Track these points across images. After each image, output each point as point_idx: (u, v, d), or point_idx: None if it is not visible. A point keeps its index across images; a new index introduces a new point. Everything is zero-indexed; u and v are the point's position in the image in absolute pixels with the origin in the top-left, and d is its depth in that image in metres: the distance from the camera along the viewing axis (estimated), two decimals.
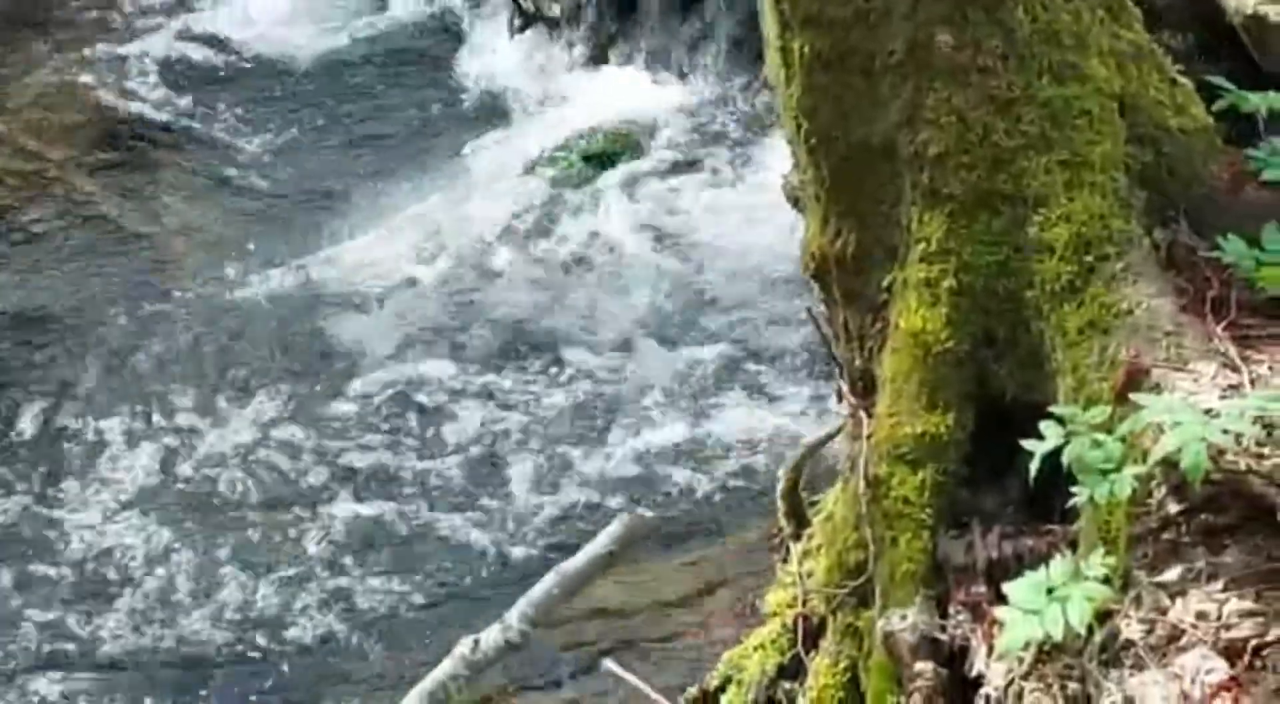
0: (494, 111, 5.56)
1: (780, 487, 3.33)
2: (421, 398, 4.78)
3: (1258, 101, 2.86)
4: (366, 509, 4.67)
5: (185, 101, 6.05)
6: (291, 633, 4.60)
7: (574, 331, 4.80)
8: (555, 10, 5.51)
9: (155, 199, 5.71)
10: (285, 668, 4.53)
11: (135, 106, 6.06)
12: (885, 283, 2.91)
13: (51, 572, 4.81)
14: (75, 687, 4.56)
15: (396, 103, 5.81)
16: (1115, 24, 2.85)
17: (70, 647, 4.66)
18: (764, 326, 4.55)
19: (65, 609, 4.74)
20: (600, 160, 5.16)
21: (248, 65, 6.15)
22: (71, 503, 4.96)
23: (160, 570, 4.76)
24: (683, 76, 5.30)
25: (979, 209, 2.77)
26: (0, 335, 5.31)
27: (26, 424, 5.15)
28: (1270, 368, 2.65)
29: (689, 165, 5.09)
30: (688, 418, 4.51)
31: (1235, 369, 2.63)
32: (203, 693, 4.57)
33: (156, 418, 5.12)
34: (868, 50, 2.79)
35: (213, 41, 6.23)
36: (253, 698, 4.54)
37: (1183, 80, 2.94)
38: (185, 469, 4.97)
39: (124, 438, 5.13)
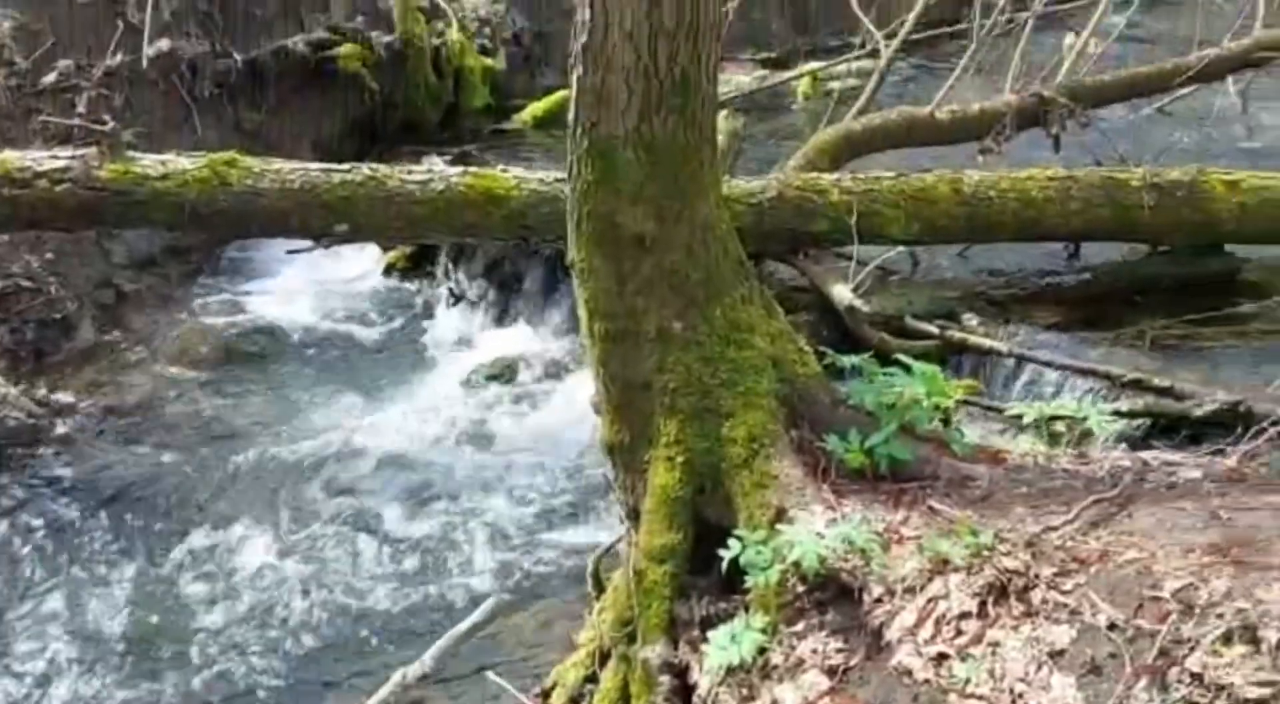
0: (437, 353, 5.92)
1: (589, 569, 3.56)
2: (363, 535, 4.73)
3: (846, 361, 3.31)
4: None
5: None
6: None
7: (473, 484, 4.99)
8: (473, 293, 6.04)
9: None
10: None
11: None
12: (646, 458, 3.22)
13: None
14: None
15: (377, 349, 6.06)
16: (769, 317, 3.29)
17: None
18: (581, 479, 4.90)
19: None
20: (497, 379, 5.57)
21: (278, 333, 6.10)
22: None
23: None
24: (544, 332, 5.75)
25: (695, 419, 3.16)
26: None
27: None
28: (852, 509, 2.95)
29: (543, 384, 5.52)
30: (539, 531, 4.77)
31: (833, 509, 2.97)
32: None
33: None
34: (635, 331, 3.18)
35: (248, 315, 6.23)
36: None
37: (806, 347, 3.32)
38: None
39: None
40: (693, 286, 3.21)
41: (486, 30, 7.25)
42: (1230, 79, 6.35)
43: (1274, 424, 3.87)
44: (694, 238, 3.20)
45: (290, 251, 5.55)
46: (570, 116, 3.13)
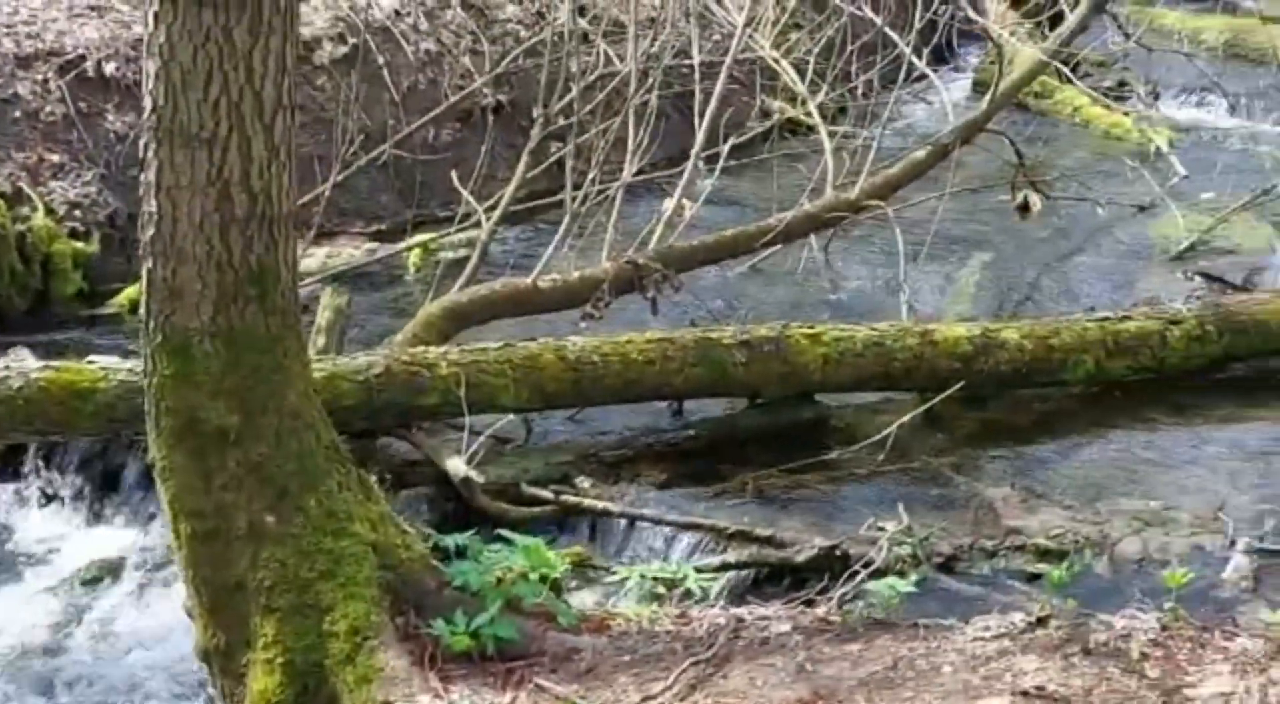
0: (26, 560, 5.49)
1: None
2: None
3: (450, 541, 3.31)
4: None
5: None
6: None
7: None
8: (68, 491, 5.66)
9: None
10: None
11: None
12: (244, 662, 3.14)
13: None
14: None
15: None
16: (368, 501, 3.26)
17: None
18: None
19: None
20: (96, 582, 5.18)
21: None
22: None
23: None
24: (150, 528, 5.33)
25: (294, 616, 3.09)
26: None
27: None
28: (460, 696, 2.98)
29: (149, 585, 5.16)
30: None
31: (441, 697, 2.98)
32: None
33: None
34: (225, 529, 3.09)
35: None
36: None
37: (410, 530, 3.35)
38: None
39: None
40: (284, 478, 3.14)
41: (78, 213, 6.96)
42: (813, 236, 6.79)
43: (865, 566, 4.11)
44: (282, 427, 3.14)
45: None
46: (143, 310, 3.04)
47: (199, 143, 2.96)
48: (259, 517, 3.13)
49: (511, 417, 5.19)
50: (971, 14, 7.83)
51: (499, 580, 3.26)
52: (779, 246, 6.45)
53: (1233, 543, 4.33)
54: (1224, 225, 7.22)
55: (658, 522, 4.72)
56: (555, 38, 6.32)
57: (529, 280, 5.58)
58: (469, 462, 4.82)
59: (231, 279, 3.03)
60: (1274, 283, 6.68)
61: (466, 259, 6.04)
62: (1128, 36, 7.89)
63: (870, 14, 7.32)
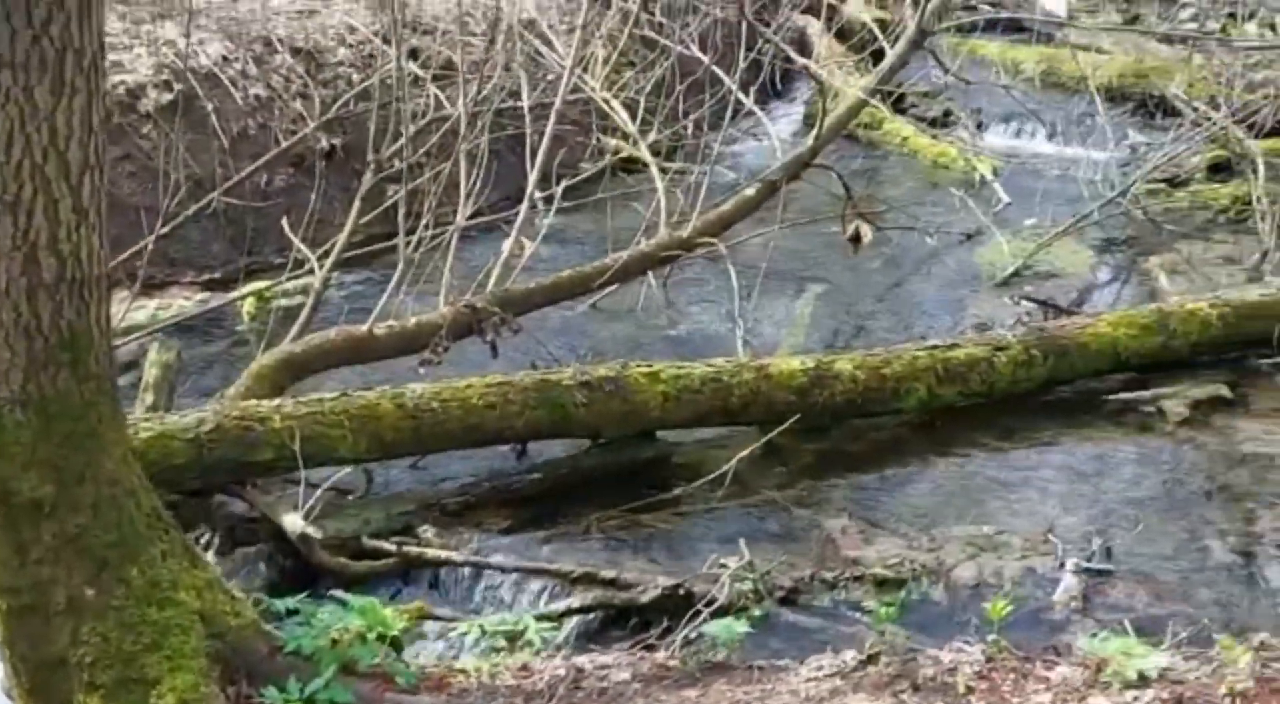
0: None
1: None
2: None
3: (281, 605, 3.27)
4: None
5: None
6: None
7: None
8: None
9: None
10: None
11: None
12: None
13: None
14: None
15: None
16: (194, 567, 3.17)
17: None
18: None
19: None
20: None
21: None
22: None
23: None
24: None
25: (118, 691, 2.97)
26: None
27: None
28: None
29: None
30: None
31: None
32: None
33: None
34: (42, 604, 2.97)
35: None
36: None
37: (239, 595, 3.26)
38: None
39: None
40: (103, 548, 3.04)
41: None
42: (651, 273, 6.84)
43: (708, 604, 4.13)
44: (100, 496, 3.05)
45: None
46: None
47: (3, 207, 2.86)
48: (78, 590, 3.01)
49: (350, 468, 5.09)
50: (792, 54, 7.99)
51: (334, 642, 3.19)
52: (617, 285, 6.47)
53: (1062, 564, 4.45)
54: (1046, 250, 7.46)
55: (502, 569, 4.68)
56: (385, 82, 6.27)
57: (365, 328, 5.51)
58: (306, 517, 4.71)
59: (41, 346, 2.93)
60: (1094, 305, 6.92)
61: (302, 307, 5.93)
62: (946, 70, 8.10)
63: (698, 53, 7.42)
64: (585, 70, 7.65)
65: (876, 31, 8.13)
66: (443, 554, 4.76)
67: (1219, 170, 8.54)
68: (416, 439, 5.06)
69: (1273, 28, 12.14)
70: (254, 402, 4.99)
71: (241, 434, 4.79)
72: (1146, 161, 8.44)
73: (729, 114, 6.89)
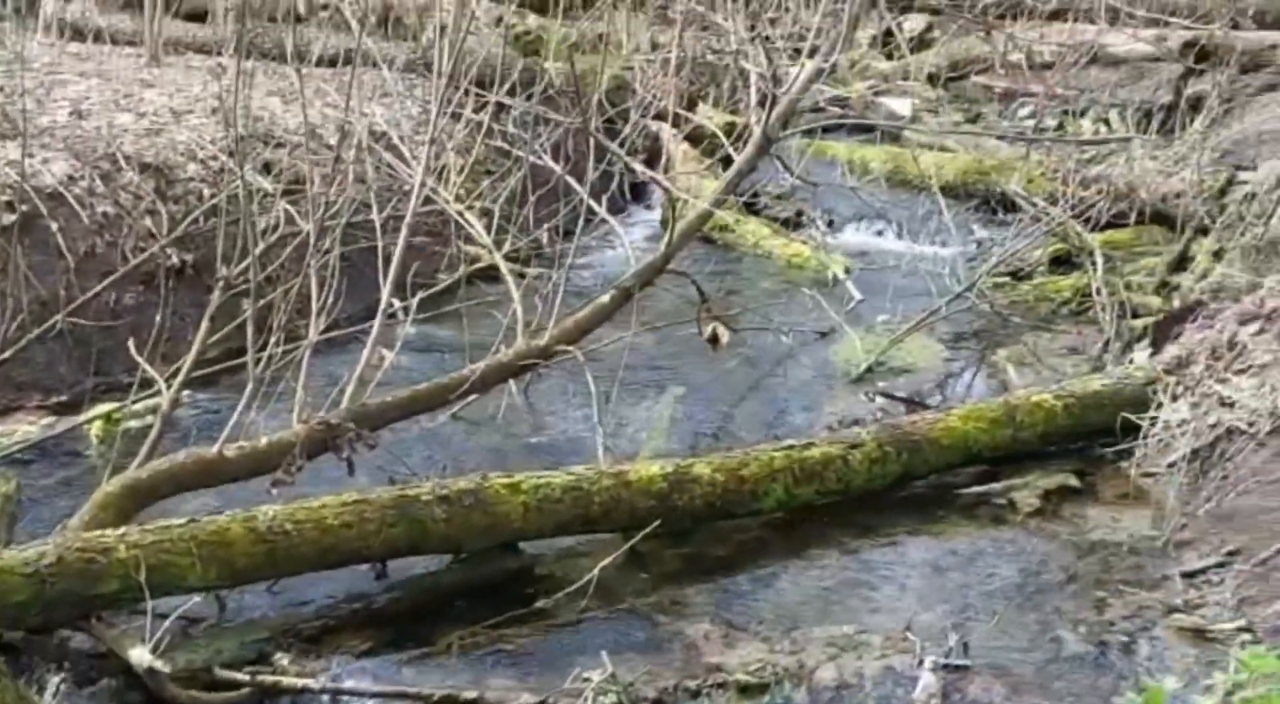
0: None
1: None
2: None
3: None
4: None
5: None
6: None
7: None
8: None
9: None
10: None
11: None
12: None
13: None
14: None
15: None
16: None
17: None
18: None
19: None
20: None
21: None
22: None
23: None
24: None
25: None
26: None
27: None
28: None
29: None
30: None
31: None
32: None
33: None
34: None
35: None
36: None
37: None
38: None
39: None
40: None
41: None
42: (513, 381, 6.82)
43: None
44: None
45: None
46: None
47: None
48: None
49: (201, 596, 4.95)
50: (637, 166, 8.14)
51: None
52: (476, 396, 6.45)
53: (921, 662, 4.49)
54: (899, 346, 7.63)
55: (361, 694, 4.56)
56: (231, 197, 6.22)
57: (215, 449, 5.39)
58: (155, 650, 4.56)
59: None
60: (947, 399, 7.08)
61: (149, 429, 5.79)
62: (791, 174, 8.32)
63: (551, 163, 7.51)
64: (441, 180, 7.69)
65: (723, 138, 8.30)
66: (299, 682, 4.63)
67: (1060, 263, 8.85)
68: (270, 563, 4.94)
69: (1106, 123, 12.71)
70: (98, 532, 4.84)
71: (85, 566, 4.63)
72: (991, 256, 8.71)
73: (581, 222, 6.95)
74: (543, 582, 5.32)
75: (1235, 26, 10.62)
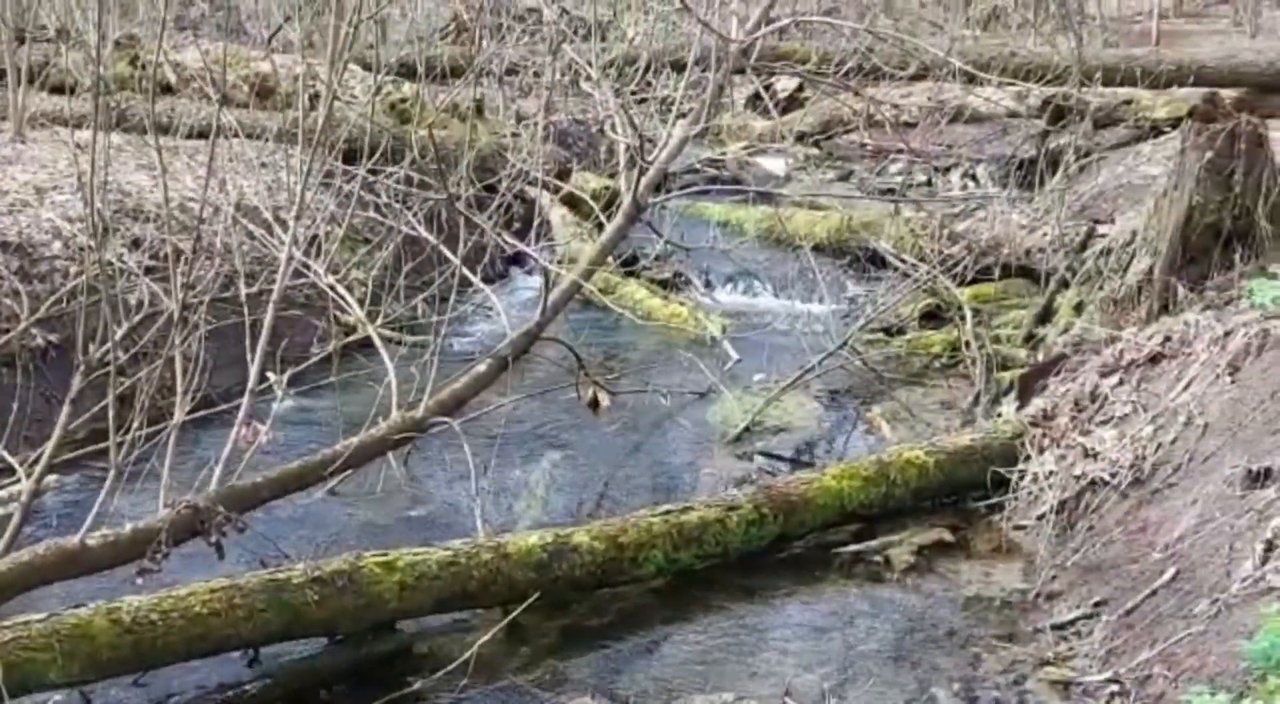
0: None
1: None
2: None
3: None
4: None
5: None
6: None
7: None
8: None
9: None
10: None
11: None
12: None
13: None
14: None
15: None
16: None
17: None
18: None
19: None
20: None
21: None
22: None
23: None
24: None
25: None
26: None
27: None
28: None
29: None
30: None
31: None
32: None
33: None
34: None
35: None
36: None
37: None
38: None
39: None
40: None
41: None
42: (391, 454, 6.70)
43: None
44: None
45: None
46: None
47: None
48: None
49: (64, 693, 4.76)
50: (506, 239, 8.12)
51: None
52: (351, 472, 6.32)
53: None
54: (775, 404, 7.66)
55: None
56: (95, 276, 6.03)
57: (77, 539, 5.19)
58: None
59: None
60: (823, 456, 7.11)
61: (9, 519, 5.56)
62: (662, 238, 8.36)
63: (424, 233, 7.45)
64: (314, 251, 7.57)
65: (593, 206, 8.32)
66: None
67: (931, 318, 8.97)
68: (136, 655, 4.76)
69: (974, 178, 13.00)
70: None
71: None
72: (864, 313, 8.80)
73: (454, 292, 6.89)
74: (422, 661, 5.21)
75: (1083, 85, 10.93)
